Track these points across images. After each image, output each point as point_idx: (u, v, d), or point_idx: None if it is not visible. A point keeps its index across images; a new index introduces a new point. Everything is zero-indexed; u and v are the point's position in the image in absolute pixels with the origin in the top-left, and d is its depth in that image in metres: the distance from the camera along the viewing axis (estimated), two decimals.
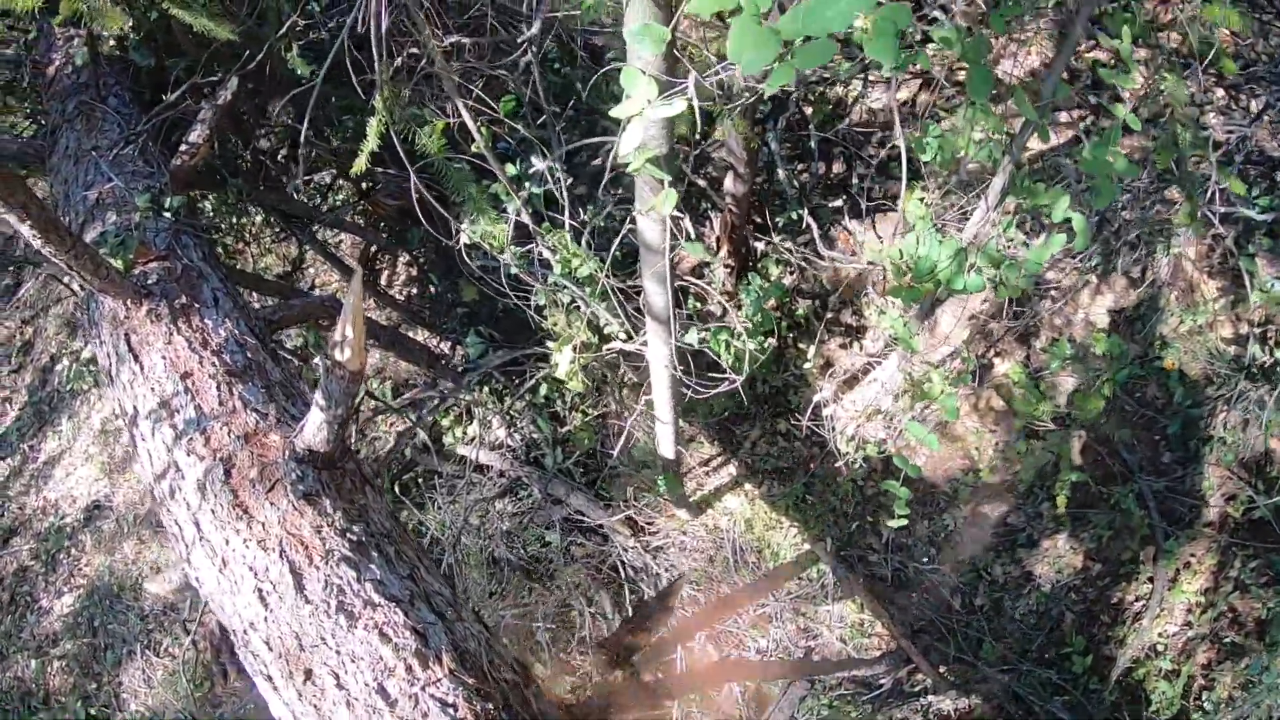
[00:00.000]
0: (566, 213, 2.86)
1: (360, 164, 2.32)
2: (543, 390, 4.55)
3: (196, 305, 3.07)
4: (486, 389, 4.60)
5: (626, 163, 1.94)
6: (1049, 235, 2.64)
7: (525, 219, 3.02)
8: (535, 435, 4.76)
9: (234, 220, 4.64)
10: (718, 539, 4.71)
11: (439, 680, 2.29)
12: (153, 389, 2.88)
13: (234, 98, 4.09)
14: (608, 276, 2.75)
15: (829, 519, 4.70)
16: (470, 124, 2.70)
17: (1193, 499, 4.47)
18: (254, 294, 6.10)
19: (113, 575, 6.73)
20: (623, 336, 3.02)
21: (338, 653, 2.31)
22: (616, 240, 2.77)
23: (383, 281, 5.81)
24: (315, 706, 2.32)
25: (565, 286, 2.96)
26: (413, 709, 2.24)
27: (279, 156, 4.92)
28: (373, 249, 5.60)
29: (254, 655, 2.49)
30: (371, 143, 2.33)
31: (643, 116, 1.66)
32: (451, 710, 2.25)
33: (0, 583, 7.33)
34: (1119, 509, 4.49)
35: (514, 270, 3.11)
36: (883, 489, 4.68)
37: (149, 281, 3.15)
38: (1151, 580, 4.46)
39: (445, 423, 4.78)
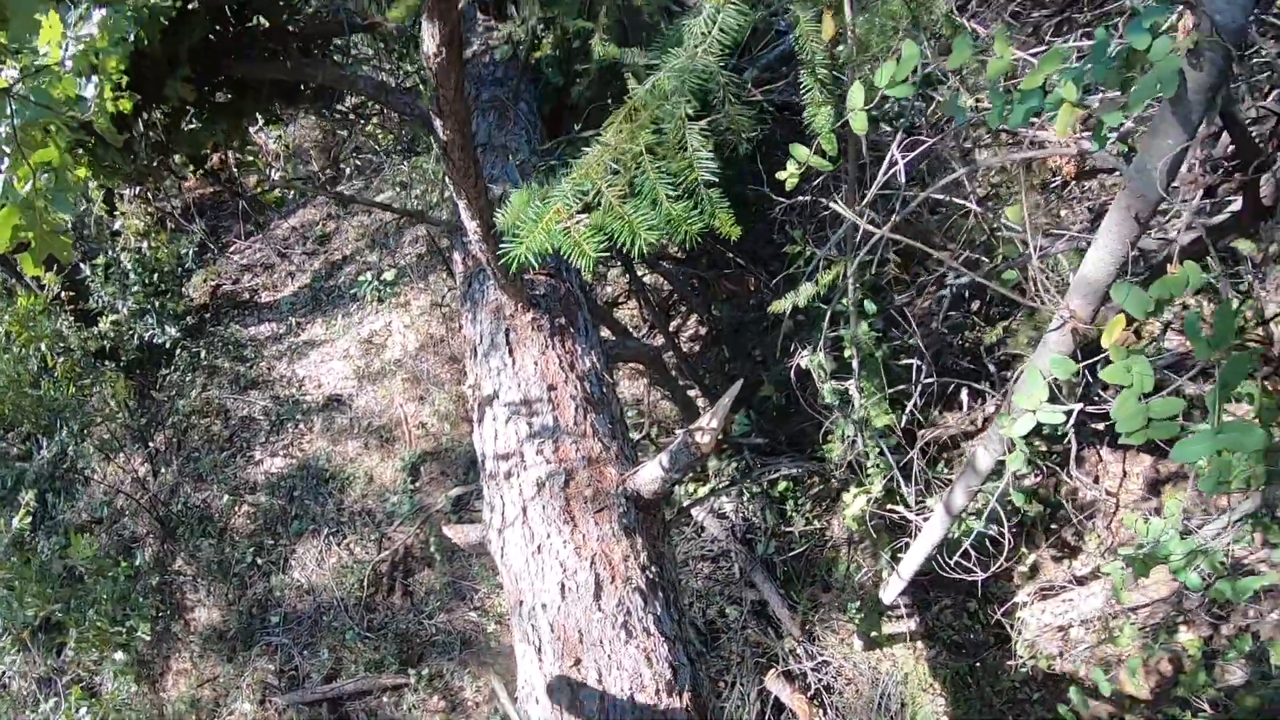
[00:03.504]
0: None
1: (787, 305, 2.91)
2: (781, 486, 5.07)
3: (572, 330, 3.74)
4: (734, 464, 5.16)
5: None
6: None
7: (855, 365, 3.55)
8: (756, 520, 5.28)
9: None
10: (874, 678, 5.10)
11: (675, 710, 2.83)
12: (519, 385, 3.55)
13: None
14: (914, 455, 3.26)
15: (978, 704, 5.02)
16: (851, 293, 3.24)
17: None
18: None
19: (329, 463, 7.57)
20: (907, 502, 3.52)
21: (609, 657, 2.88)
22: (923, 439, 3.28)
23: (672, 327, 6.46)
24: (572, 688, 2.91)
25: (870, 440, 3.48)
26: None
27: None
28: (674, 297, 6.27)
29: (533, 626, 3.08)
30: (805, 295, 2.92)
31: (1033, 415, 2.19)
32: None
33: (227, 421, 8.31)
34: None
35: (827, 399, 3.64)
36: (1034, 699, 4.99)
37: (536, 293, 3.84)
38: None
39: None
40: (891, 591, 4.13)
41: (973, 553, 3.62)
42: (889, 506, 3.71)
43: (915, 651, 5.16)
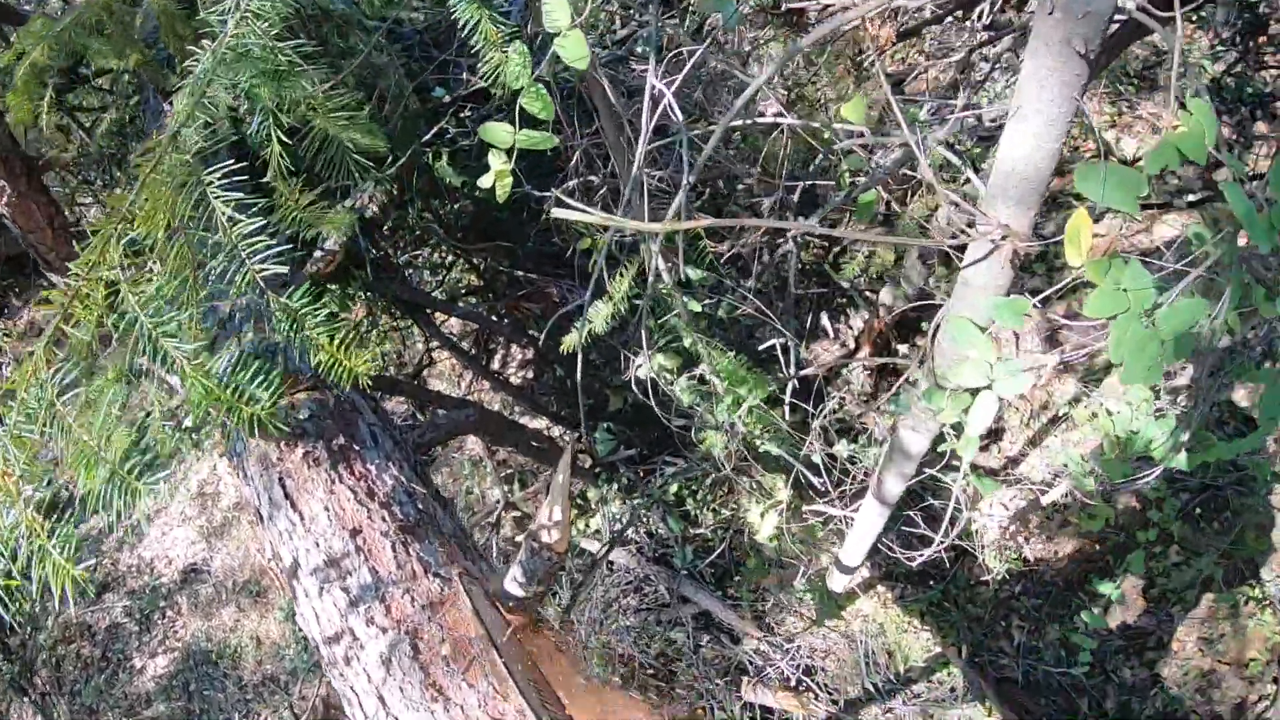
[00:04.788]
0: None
1: (574, 342, 2.08)
2: (673, 489, 4.30)
3: (356, 446, 2.83)
4: (615, 485, 4.36)
5: None
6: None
7: (700, 350, 2.78)
8: (662, 532, 4.50)
9: (356, 315, 4.41)
10: (851, 641, 4.43)
11: None
12: (317, 544, 2.64)
13: (369, 199, 3.88)
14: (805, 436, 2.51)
15: (963, 623, 4.41)
16: (662, 267, 2.46)
17: None
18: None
19: (210, 641, 6.53)
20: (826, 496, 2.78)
21: None
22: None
23: (496, 364, 5.59)
24: None
25: (752, 423, 2.72)
26: None
27: (384, 230, 4.72)
28: (487, 332, 5.38)
29: None
30: (599, 317, 2.08)
31: (991, 394, 1.44)
32: None
33: (93, 638, 7.17)
34: (1250, 616, 4.22)
35: (686, 402, 2.86)
36: (1016, 595, 4.42)
37: (301, 417, 2.91)
38: (1276, 681, 4.19)
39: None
40: (839, 582, 3.44)
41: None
42: (805, 509, 2.98)
43: (880, 598, 4.50)
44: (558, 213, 1.23)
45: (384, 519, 2.61)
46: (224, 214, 1.17)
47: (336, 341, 1.42)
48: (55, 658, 7.19)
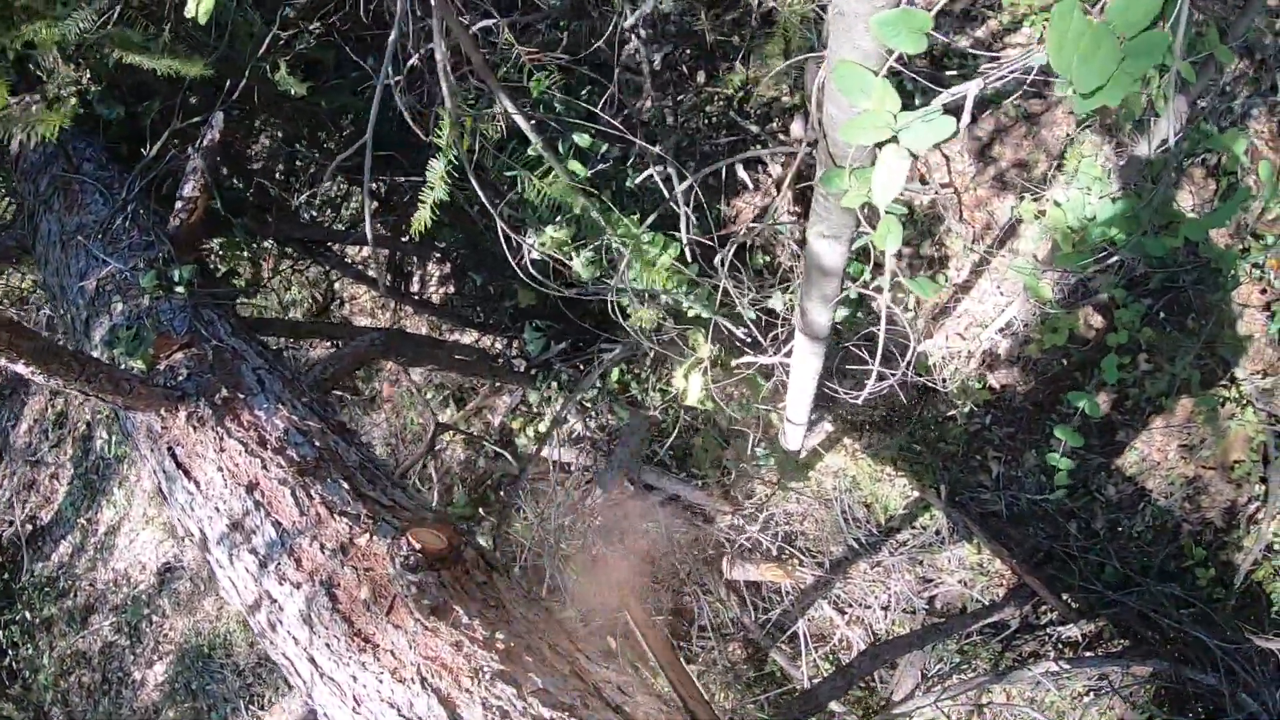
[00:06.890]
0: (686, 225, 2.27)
1: (423, 218, 1.72)
2: (614, 376, 3.97)
3: (240, 395, 2.48)
4: (554, 383, 4.03)
5: None
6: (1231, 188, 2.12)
7: (595, 216, 2.43)
8: (613, 422, 4.19)
9: (247, 264, 3.99)
10: (825, 500, 4.19)
11: None
12: (217, 509, 2.32)
13: (222, 134, 3.44)
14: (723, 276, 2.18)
15: (937, 464, 4.18)
16: (524, 125, 2.09)
17: None
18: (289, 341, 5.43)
19: (199, 635, 6.29)
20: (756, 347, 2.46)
21: None
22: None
23: (414, 286, 5.18)
24: None
25: (672, 285, 2.39)
26: None
27: (276, 176, 4.30)
28: (398, 255, 4.95)
29: None
30: (439, 173, 1.72)
31: (898, 149, 1.10)
32: None
33: (89, 663, 6.94)
34: (1231, 417, 4.01)
35: (585, 277, 2.52)
36: (987, 426, 4.17)
37: (179, 378, 2.56)
38: (1264, 480, 3.99)
39: (515, 425, 4.23)
40: (794, 439, 3.16)
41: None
42: (735, 363, 2.67)
43: (847, 451, 4.25)
44: None
45: (280, 465, 2.28)
46: None
47: None
48: (60, 694, 6.95)
